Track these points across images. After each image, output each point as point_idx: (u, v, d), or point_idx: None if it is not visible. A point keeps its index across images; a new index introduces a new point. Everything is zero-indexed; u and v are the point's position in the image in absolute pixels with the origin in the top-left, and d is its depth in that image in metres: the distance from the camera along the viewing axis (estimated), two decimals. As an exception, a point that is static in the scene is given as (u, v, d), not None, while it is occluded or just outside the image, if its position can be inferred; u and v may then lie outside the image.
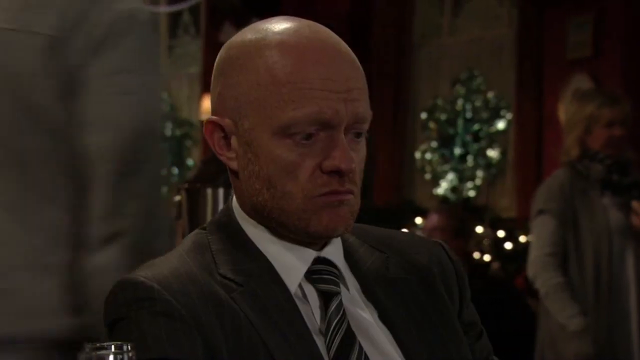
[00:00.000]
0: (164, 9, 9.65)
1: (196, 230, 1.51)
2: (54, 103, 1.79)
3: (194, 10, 10.23)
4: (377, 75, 8.10)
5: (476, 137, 7.98)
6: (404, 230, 5.37)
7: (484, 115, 7.96)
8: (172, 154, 10.02)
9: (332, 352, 1.42)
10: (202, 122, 6.05)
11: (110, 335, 1.40)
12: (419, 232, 6.29)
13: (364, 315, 1.48)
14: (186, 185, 2.71)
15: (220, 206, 2.83)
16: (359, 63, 1.48)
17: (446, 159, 8.10)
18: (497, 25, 7.99)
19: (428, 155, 8.19)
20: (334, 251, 1.49)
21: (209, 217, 2.83)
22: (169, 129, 10.07)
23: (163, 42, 10.73)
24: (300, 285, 1.46)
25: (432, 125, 8.19)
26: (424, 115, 8.23)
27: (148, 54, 1.89)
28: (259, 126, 1.43)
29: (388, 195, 7.83)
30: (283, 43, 1.44)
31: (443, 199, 7.88)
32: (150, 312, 1.36)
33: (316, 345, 1.41)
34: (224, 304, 1.39)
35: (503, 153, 7.86)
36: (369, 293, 1.50)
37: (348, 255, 1.52)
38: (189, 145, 10.30)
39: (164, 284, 1.38)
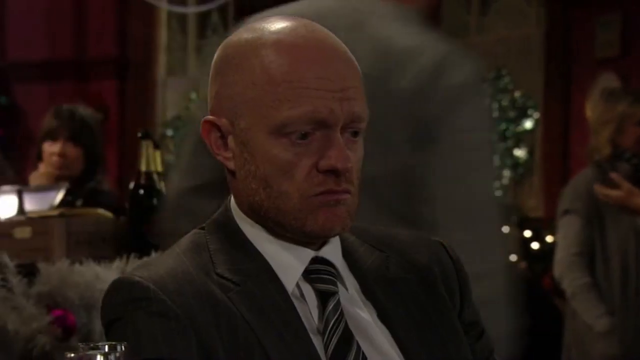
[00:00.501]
0: (192, 9, 9.69)
1: (194, 230, 1.51)
2: (404, 144, 2.03)
3: (222, 10, 10.26)
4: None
5: (503, 137, 7.95)
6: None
7: (511, 114, 7.94)
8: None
9: (329, 352, 1.42)
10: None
11: (107, 335, 1.41)
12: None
13: (362, 315, 1.47)
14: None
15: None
16: (356, 62, 1.47)
17: (473, 158, 8.08)
18: (525, 24, 7.97)
19: (454, 155, 8.17)
20: (332, 251, 1.49)
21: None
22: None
23: (192, 42, 10.78)
24: (298, 285, 1.46)
25: (458, 124, 8.18)
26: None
27: (489, 114, 2.18)
28: (255, 126, 1.43)
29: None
30: (279, 42, 1.43)
31: (470, 198, 7.85)
32: (146, 312, 1.37)
33: (313, 344, 1.41)
34: (220, 304, 1.39)
35: (530, 152, 7.83)
36: (369, 293, 1.50)
37: (348, 254, 1.52)
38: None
39: (160, 284, 1.39)
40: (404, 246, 1.56)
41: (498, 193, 2.26)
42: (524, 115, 7.90)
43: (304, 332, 1.42)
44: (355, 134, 1.45)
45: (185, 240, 1.49)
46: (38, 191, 3.56)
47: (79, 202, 3.81)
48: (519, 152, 7.89)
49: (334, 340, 1.42)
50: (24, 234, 2.70)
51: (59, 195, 3.41)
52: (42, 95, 8.96)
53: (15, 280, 2.29)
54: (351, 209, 1.45)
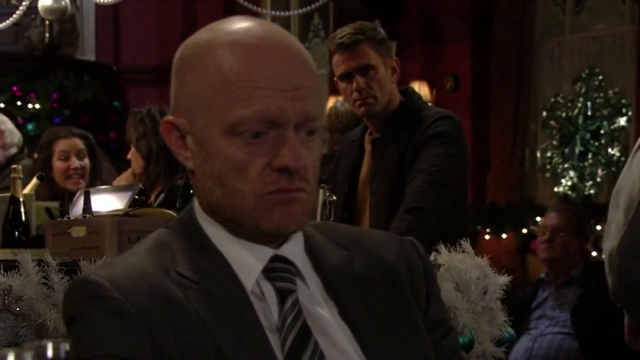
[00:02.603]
0: (294, 11, 9.83)
1: (160, 229, 1.53)
2: None
3: (323, 13, 10.37)
4: (498, 73, 8.09)
5: (596, 135, 7.88)
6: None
7: (605, 112, 7.86)
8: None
9: (285, 349, 1.42)
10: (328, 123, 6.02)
11: (68, 333, 1.43)
12: (536, 230, 6.26)
13: (322, 313, 1.47)
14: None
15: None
16: (311, 62, 1.47)
17: (566, 157, 8.02)
18: (619, 22, 7.88)
19: (548, 154, 8.13)
20: (292, 249, 1.49)
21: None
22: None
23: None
24: (258, 283, 1.46)
25: (552, 123, 8.13)
26: (544, 113, 8.18)
27: None
28: (210, 125, 1.44)
29: (508, 194, 7.82)
30: (233, 42, 1.44)
31: (563, 197, 7.80)
32: (100, 310, 1.39)
33: (269, 342, 1.42)
34: (175, 302, 1.40)
35: (623, 151, 7.74)
36: (331, 291, 1.50)
37: (312, 252, 1.52)
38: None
39: (115, 282, 1.40)
40: (371, 245, 1.56)
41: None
42: (618, 113, 7.81)
43: (260, 330, 1.42)
44: (310, 132, 1.46)
45: (149, 239, 1.51)
46: (112, 192, 3.70)
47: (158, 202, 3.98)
48: (613, 150, 7.81)
49: (291, 337, 1.43)
50: (80, 233, 2.84)
51: (132, 196, 3.55)
52: (153, 99, 9.23)
53: (56, 278, 2.33)
54: (307, 206, 1.46)
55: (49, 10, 5.13)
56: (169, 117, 1.49)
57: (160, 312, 1.40)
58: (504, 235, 7.62)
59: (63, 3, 5.13)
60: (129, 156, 4.28)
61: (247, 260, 1.47)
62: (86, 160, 4.56)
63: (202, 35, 1.49)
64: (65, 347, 1.23)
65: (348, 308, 1.49)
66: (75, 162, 4.56)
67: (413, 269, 1.57)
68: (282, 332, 1.44)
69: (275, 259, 1.48)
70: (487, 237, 7.65)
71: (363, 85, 3.43)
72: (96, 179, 4.52)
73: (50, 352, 1.22)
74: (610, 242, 2.79)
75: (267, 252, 1.48)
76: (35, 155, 4.98)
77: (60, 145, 4.52)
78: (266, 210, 1.44)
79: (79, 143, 4.56)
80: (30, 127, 11.00)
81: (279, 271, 1.48)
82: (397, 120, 3.47)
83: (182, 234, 1.50)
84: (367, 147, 3.56)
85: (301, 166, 1.43)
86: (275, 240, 1.49)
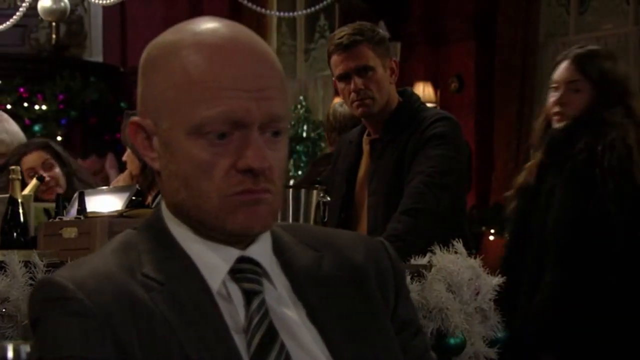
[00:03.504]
0: (300, 12, 9.84)
1: (128, 230, 1.52)
2: None
3: (329, 14, 10.39)
4: (502, 73, 8.08)
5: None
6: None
7: (608, 113, 7.85)
8: (308, 155, 10.16)
9: (251, 350, 1.42)
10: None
11: (32, 334, 1.41)
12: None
13: (289, 314, 1.47)
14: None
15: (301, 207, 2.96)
16: (277, 63, 1.47)
17: (569, 157, 8.00)
18: (623, 22, 7.87)
19: (551, 153, 8.11)
20: (259, 250, 1.49)
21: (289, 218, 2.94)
22: (304, 131, 10.23)
23: (300, 45, 10.94)
24: (224, 284, 1.46)
25: (556, 123, 8.12)
26: (548, 114, 8.17)
27: None
28: (175, 126, 1.43)
29: (510, 194, 7.81)
30: (199, 43, 1.44)
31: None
32: (63, 311, 1.38)
33: (234, 343, 1.41)
34: (140, 303, 1.40)
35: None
36: (299, 292, 1.49)
37: (280, 253, 1.51)
38: (324, 146, 10.45)
39: (79, 283, 1.40)
40: (340, 245, 1.56)
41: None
42: (621, 113, 7.80)
43: (226, 331, 1.42)
44: (276, 133, 1.45)
45: (115, 240, 1.51)
46: (112, 193, 3.70)
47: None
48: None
49: (257, 338, 1.42)
50: (71, 234, 2.85)
51: (129, 196, 3.55)
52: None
53: (42, 279, 2.36)
54: (273, 208, 1.45)
55: (49, 11, 5.14)
56: (136, 118, 1.49)
57: (124, 313, 1.39)
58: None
59: (62, 4, 5.14)
60: (124, 158, 4.28)
61: (213, 261, 1.47)
62: (56, 170, 4.46)
63: (168, 35, 1.49)
64: (26, 348, 1.22)
65: (316, 309, 1.49)
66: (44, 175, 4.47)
67: (382, 270, 1.56)
68: (248, 333, 1.43)
69: (241, 260, 1.48)
70: (491, 237, 7.65)
71: (361, 86, 3.42)
72: (74, 180, 4.47)
73: (10, 354, 1.21)
74: None
75: (234, 253, 1.48)
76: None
77: (26, 164, 4.35)
78: (231, 211, 1.43)
79: (42, 155, 4.41)
80: (37, 128, 11.04)
81: (245, 272, 1.47)
82: (396, 121, 3.46)
83: (149, 235, 1.50)
84: (366, 148, 3.55)
85: (266, 167, 1.42)
86: (241, 241, 1.48)
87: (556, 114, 3.36)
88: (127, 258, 1.46)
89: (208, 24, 1.47)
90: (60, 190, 4.20)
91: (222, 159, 1.42)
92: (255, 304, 1.45)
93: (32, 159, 4.44)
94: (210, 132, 1.42)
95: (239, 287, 1.46)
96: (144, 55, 1.50)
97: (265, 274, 1.49)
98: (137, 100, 1.50)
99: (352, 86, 3.43)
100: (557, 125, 3.35)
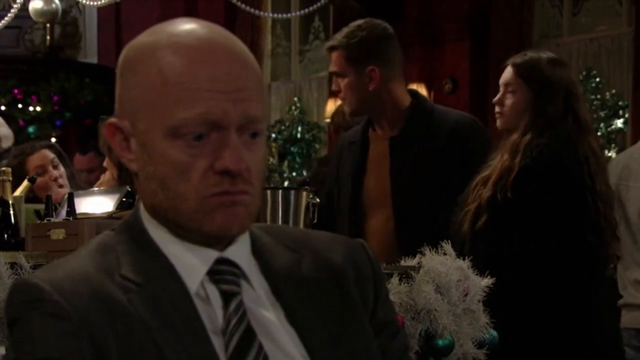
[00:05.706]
0: (295, 14, 9.84)
1: (106, 231, 1.52)
2: None
3: (324, 15, 10.39)
4: (496, 74, 8.08)
5: (594, 137, 7.87)
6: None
7: (602, 114, 7.85)
8: (302, 156, 10.17)
9: (229, 352, 1.41)
10: (328, 125, 6.06)
11: (9, 336, 1.42)
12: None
13: (267, 316, 1.47)
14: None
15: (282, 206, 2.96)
16: (254, 64, 1.47)
17: (562, 157, 8.00)
18: (617, 24, 7.88)
19: (542, 153, 8.11)
20: (237, 251, 1.48)
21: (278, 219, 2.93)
22: (299, 132, 10.25)
23: (295, 47, 10.95)
24: (202, 286, 1.45)
25: (549, 124, 8.12)
26: (542, 115, 8.17)
27: None
28: (152, 128, 1.43)
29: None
30: (175, 44, 1.44)
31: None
32: (40, 313, 1.38)
33: (212, 344, 1.41)
34: (117, 305, 1.40)
35: (620, 152, 7.73)
36: (278, 293, 1.49)
37: (259, 254, 1.51)
38: (318, 147, 10.45)
39: (56, 285, 1.39)
40: (320, 247, 1.56)
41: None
42: (615, 115, 7.81)
43: (204, 333, 1.42)
44: (254, 135, 1.45)
45: (93, 242, 1.51)
46: (104, 194, 3.70)
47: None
48: (610, 152, 7.80)
49: (235, 340, 1.42)
50: (59, 236, 2.85)
51: (119, 198, 3.55)
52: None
53: (28, 281, 2.35)
54: (251, 209, 1.45)
55: (40, 12, 5.15)
56: (113, 120, 1.49)
57: (101, 315, 1.39)
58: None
59: (54, 5, 5.14)
60: (104, 164, 4.28)
61: (191, 263, 1.46)
62: (61, 168, 4.51)
63: (145, 37, 1.49)
64: (1, 351, 1.21)
65: (294, 310, 1.49)
66: (53, 173, 4.48)
67: (361, 271, 1.56)
68: (226, 335, 1.43)
69: (220, 261, 1.47)
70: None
71: (336, 88, 3.59)
72: (73, 182, 4.51)
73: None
74: None
75: (212, 254, 1.47)
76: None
77: (33, 162, 4.41)
78: (208, 212, 1.43)
79: (49, 154, 4.48)
80: (31, 129, 11.03)
81: (223, 274, 1.47)
82: (417, 121, 3.55)
83: (127, 236, 1.49)
84: (378, 145, 3.59)
85: (243, 168, 1.42)
86: (220, 242, 1.48)
87: (496, 113, 3.58)
88: (105, 259, 1.46)
89: (184, 25, 1.47)
90: (66, 190, 4.22)
91: (200, 161, 1.42)
92: (233, 305, 1.45)
93: (39, 156, 4.46)
94: (187, 133, 1.41)
95: (217, 288, 1.46)
96: (121, 56, 1.50)
97: (244, 275, 1.48)
98: (116, 102, 1.50)
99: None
100: (497, 123, 3.59)
